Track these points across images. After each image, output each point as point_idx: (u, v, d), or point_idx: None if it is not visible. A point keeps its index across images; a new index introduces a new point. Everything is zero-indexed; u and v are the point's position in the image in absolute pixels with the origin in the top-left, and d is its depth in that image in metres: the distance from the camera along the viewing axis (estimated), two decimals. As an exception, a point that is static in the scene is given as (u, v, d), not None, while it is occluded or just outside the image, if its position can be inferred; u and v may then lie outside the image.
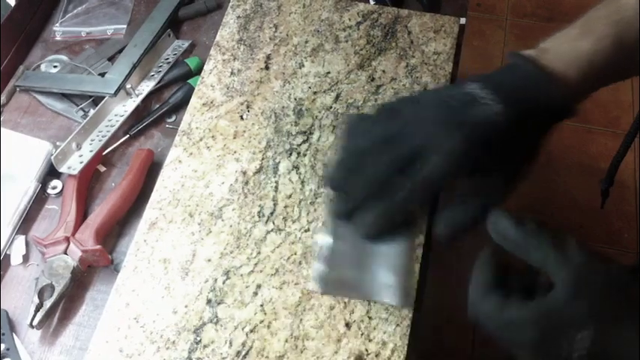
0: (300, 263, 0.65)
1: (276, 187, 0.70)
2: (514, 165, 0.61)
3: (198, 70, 0.84)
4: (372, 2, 0.87)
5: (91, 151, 0.77)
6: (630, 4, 0.63)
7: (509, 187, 0.61)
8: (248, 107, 0.76)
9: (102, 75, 0.84)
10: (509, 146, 0.59)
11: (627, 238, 1.74)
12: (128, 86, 0.82)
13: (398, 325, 0.61)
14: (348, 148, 0.59)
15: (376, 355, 0.60)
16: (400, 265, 0.62)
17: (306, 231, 0.67)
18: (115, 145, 0.80)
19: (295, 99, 0.76)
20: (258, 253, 0.66)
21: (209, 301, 0.63)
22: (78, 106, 0.83)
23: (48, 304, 0.67)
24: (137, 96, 0.83)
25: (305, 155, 0.72)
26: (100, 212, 0.73)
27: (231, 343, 0.61)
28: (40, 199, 0.77)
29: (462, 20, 0.82)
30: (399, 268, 0.62)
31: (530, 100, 0.60)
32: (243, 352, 0.61)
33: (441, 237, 0.58)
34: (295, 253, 0.66)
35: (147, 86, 0.84)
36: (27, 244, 0.74)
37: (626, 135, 0.76)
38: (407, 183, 0.56)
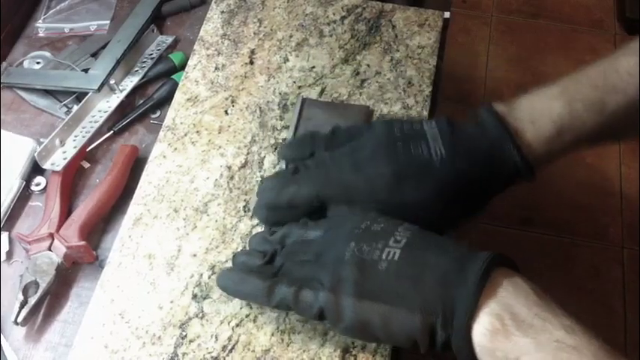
0: (285, 257, 0.65)
1: (262, 182, 0.70)
2: (457, 218, 0.62)
3: (183, 66, 0.84)
4: (356, -3, 0.87)
5: (74, 147, 0.77)
6: (624, 69, 0.59)
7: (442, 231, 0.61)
8: (233, 102, 0.75)
9: (85, 71, 0.83)
10: (458, 201, 0.60)
11: (613, 232, 1.75)
12: (112, 82, 0.82)
13: (384, 317, 0.61)
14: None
15: (362, 348, 0.60)
16: None
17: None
18: (98, 142, 0.80)
19: (280, 93, 0.76)
20: (244, 247, 0.66)
21: (195, 296, 0.63)
22: (61, 102, 0.83)
23: (32, 300, 0.67)
24: (121, 92, 0.83)
25: (290, 149, 0.72)
26: (84, 208, 0.72)
27: (217, 337, 0.61)
28: (23, 196, 0.76)
29: (446, 14, 0.83)
30: None
31: (485, 163, 0.60)
32: (229, 347, 0.60)
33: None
34: (281, 247, 0.65)
35: (131, 82, 0.84)
36: (11, 241, 0.73)
37: None
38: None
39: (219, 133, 0.73)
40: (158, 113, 0.83)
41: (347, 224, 0.56)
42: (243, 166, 0.71)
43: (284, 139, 0.72)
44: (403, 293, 0.51)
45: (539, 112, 0.60)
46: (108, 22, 0.91)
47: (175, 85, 0.81)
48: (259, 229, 0.67)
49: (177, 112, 0.75)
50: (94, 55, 0.87)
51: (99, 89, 0.80)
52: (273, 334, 0.61)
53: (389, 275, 0.51)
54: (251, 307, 0.62)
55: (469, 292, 0.48)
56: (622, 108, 0.59)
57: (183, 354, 0.60)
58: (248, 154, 0.72)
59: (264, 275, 0.57)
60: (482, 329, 0.48)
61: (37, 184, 0.77)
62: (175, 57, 0.86)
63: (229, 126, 0.74)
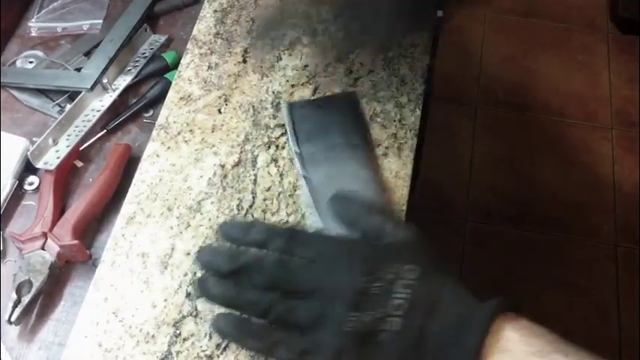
0: (279, 255, 0.65)
1: (255, 180, 0.70)
2: None
3: (176, 65, 0.84)
4: (349, -5, 0.87)
5: (67, 146, 0.77)
6: None
7: None
8: (226, 101, 0.75)
9: (78, 70, 0.83)
10: None
11: (606, 230, 1.76)
12: (105, 81, 0.82)
13: (377, 315, 0.62)
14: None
15: (356, 345, 0.60)
16: None
17: (284, 223, 0.67)
18: (92, 141, 0.80)
19: (273, 92, 0.76)
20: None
21: (188, 295, 0.63)
22: (54, 101, 0.83)
23: (26, 300, 0.67)
24: (114, 91, 0.83)
25: (283, 148, 0.72)
26: (77, 207, 0.72)
27: (210, 336, 0.61)
28: (16, 196, 0.76)
29: (439, 13, 0.83)
30: None
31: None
32: (223, 345, 0.60)
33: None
34: (274, 246, 0.65)
35: (124, 81, 0.84)
36: (4, 240, 0.73)
37: None
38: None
39: (213, 131, 0.73)
40: (151, 112, 0.83)
41: (344, 278, 0.52)
42: (237, 164, 0.71)
43: (277, 138, 0.72)
44: None
45: None
46: (101, 21, 0.91)
47: (168, 84, 0.81)
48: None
49: (170, 111, 0.75)
50: (87, 54, 0.87)
51: (92, 88, 0.80)
52: (266, 332, 0.61)
53: (391, 348, 0.51)
54: (245, 305, 0.62)
55: None
56: None
57: (177, 352, 0.60)
58: (241, 152, 0.72)
59: (261, 329, 0.54)
60: None
61: (31, 184, 0.77)
62: (168, 56, 0.86)
63: (222, 125, 0.74)
